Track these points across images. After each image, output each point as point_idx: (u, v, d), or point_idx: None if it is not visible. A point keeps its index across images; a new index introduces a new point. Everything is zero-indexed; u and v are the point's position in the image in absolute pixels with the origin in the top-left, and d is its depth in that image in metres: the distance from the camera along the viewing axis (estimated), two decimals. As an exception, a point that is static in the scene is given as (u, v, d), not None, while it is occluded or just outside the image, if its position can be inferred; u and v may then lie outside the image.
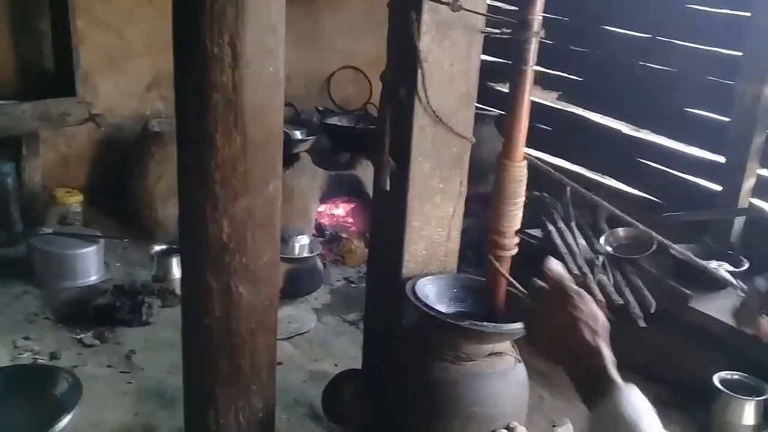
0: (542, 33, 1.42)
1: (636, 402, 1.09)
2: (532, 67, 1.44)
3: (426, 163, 1.69)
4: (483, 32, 1.64)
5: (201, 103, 1.40)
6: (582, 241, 2.90)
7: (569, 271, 1.19)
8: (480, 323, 1.50)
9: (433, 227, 1.76)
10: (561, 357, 1.15)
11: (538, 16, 1.41)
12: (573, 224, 3.03)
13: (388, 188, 1.66)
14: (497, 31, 1.61)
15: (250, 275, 1.54)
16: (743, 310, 1.21)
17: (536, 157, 1.52)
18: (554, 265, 1.18)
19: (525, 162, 1.49)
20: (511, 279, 1.51)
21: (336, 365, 2.32)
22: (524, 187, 1.50)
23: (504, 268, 1.55)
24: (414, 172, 1.67)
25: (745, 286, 2.39)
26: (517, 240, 1.55)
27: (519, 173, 1.48)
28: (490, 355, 1.55)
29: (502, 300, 1.59)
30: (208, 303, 1.55)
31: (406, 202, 1.69)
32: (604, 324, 1.13)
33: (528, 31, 1.41)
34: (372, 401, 1.76)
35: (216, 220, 1.48)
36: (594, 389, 1.09)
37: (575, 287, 1.15)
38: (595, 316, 1.12)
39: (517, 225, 1.53)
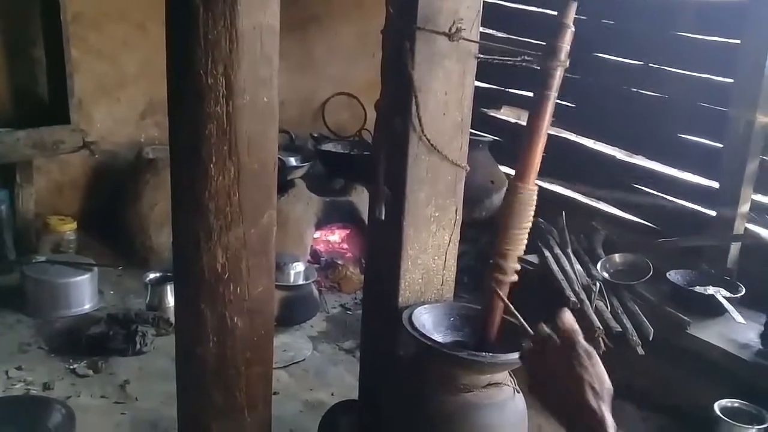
0: (568, 63, 1.43)
1: None
2: (555, 93, 1.45)
3: (421, 191, 1.68)
4: (478, 58, 1.65)
5: (195, 134, 1.40)
6: (578, 267, 2.89)
7: (577, 318, 1.16)
8: (478, 353, 1.49)
9: (429, 256, 1.75)
10: (560, 412, 1.10)
11: (566, 44, 1.42)
12: (569, 250, 3.02)
13: (383, 218, 1.65)
14: (494, 57, 1.63)
15: (244, 305, 1.53)
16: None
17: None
18: (568, 317, 1.13)
19: (536, 187, 1.49)
20: (511, 306, 1.50)
21: (332, 394, 2.30)
22: (533, 212, 1.50)
23: (503, 293, 1.53)
24: (409, 201, 1.67)
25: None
26: (518, 267, 1.54)
27: (530, 197, 1.48)
28: (488, 385, 1.53)
29: (498, 327, 1.57)
30: (202, 333, 1.53)
31: (401, 231, 1.68)
32: (609, 389, 1.08)
33: (555, 58, 1.42)
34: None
35: (210, 249, 1.47)
36: None
37: (586, 345, 1.10)
38: (601, 378, 1.07)
39: (522, 250, 1.52)
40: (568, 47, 1.43)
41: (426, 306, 1.70)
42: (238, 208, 1.45)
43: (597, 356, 1.10)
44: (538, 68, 1.46)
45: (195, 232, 1.47)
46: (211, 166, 1.41)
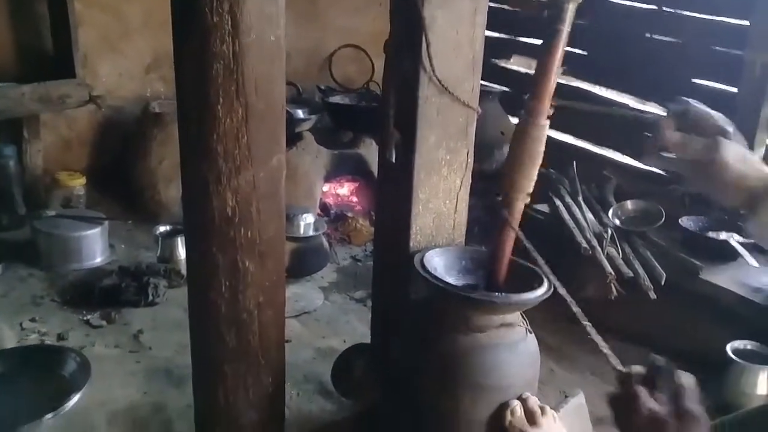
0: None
1: None
2: (566, 29, 1.41)
3: (432, 134, 1.65)
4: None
5: (201, 74, 1.37)
6: (590, 215, 2.88)
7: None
8: (490, 294, 1.48)
9: (440, 199, 1.73)
10: None
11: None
12: (580, 199, 3.00)
13: (393, 160, 1.63)
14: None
15: (256, 249, 1.52)
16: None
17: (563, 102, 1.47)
18: (691, 384, 1.00)
19: (547, 123, 1.46)
20: (521, 234, 1.46)
21: (344, 342, 2.31)
22: (543, 148, 1.46)
23: (514, 225, 1.51)
24: (420, 144, 1.64)
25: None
26: (528, 200, 1.51)
27: (541, 133, 1.45)
28: (500, 326, 1.53)
29: (509, 268, 1.56)
30: (214, 278, 1.53)
31: (412, 175, 1.66)
32: None
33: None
34: (381, 375, 1.75)
35: (220, 193, 1.46)
36: None
37: (695, 408, 0.98)
38: None
39: (532, 184, 1.48)
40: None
41: (437, 250, 1.69)
42: (247, 150, 1.43)
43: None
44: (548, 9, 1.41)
45: (204, 176, 1.46)
46: (219, 107, 1.39)
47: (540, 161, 1.48)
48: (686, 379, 0.98)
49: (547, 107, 1.43)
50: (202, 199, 1.47)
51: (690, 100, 1.26)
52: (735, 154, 1.18)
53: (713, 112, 1.27)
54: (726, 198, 1.20)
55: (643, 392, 0.98)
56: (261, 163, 1.47)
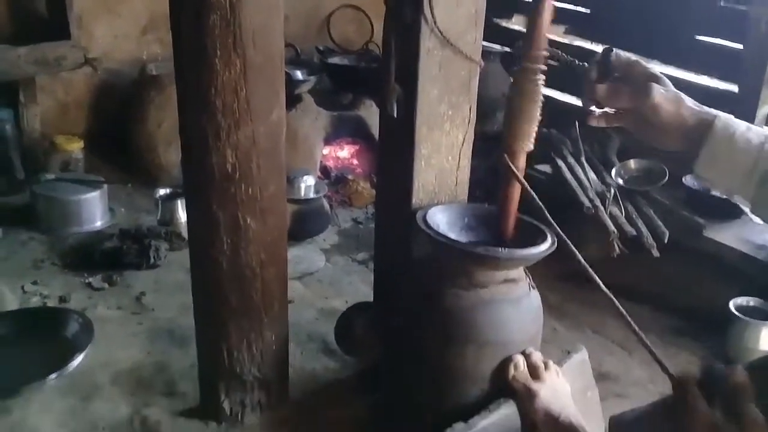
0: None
1: None
2: None
3: (434, 88, 1.63)
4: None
5: (198, 25, 1.35)
6: (592, 175, 2.85)
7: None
8: (494, 248, 1.47)
9: (443, 155, 1.71)
10: None
11: None
12: (583, 159, 2.97)
13: (395, 115, 1.60)
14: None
15: (257, 206, 1.51)
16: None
17: (557, 50, 1.43)
18: (746, 384, 0.90)
19: (545, 68, 1.42)
20: (526, 183, 1.44)
21: (347, 302, 2.30)
22: (541, 94, 1.43)
23: (519, 175, 1.48)
24: (421, 98, 1.61)
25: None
26: (531, 148, 1.48)
27: (538, 78, 1.41)
28: (504, 281, 1.52)
29: (516, 224, 1.55)
30: (215, 236, 1.53)
31: (414, 130, 1.63)
32: None
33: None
34: (384, 332, 1.75)
35: (219, 149, 1.44)
36: None
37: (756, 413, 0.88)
38: None
39: (533, 132, 1.45)
40: None
41: (440, 207, 1.67)
42: (246, 104, 1.41)
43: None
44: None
45: (203, 131, 1.44)
46: (216, 60, 1.37)
47: (537, 115, 1.45)
48: (741, 379, 0.91)
49: (542, 50, 1.39)
50: (201, 155, 1.46)
51: (614, 49, 1.24)
52: (666, 95, 1.18)
53: (638, 58, 1.24)
54: (667, 142, 1.20)
55: (700, 399, 0.92)
56: (260, 117, 1.45)
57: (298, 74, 3.37)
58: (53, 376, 1.80)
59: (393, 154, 1.75)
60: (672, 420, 0.95)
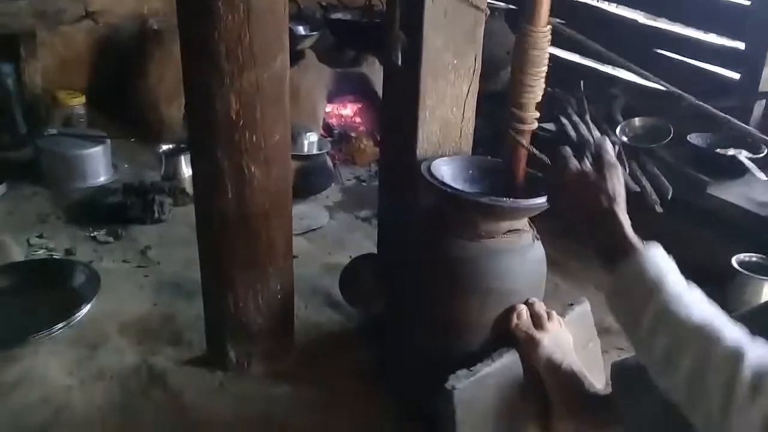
0: None
1: (658, 260, 1.07)
2: None
3: (438, 36, 1.61)
4: None
5: (202, -31, 1.33)
6: (597, 133, 2.83)
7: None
8: (498, 198, 1.47)
9: (447, 106, 1.70)
10: (580, 219, 1.19)
11: None
12: (587, 117, 2.95)
13: (399, 63, 1.59)
14: None
15: (261, 154, 1.51)
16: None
17: (560, 22, 1.42)
18: (605, 142, 1.23)
19: (549, 28, 1.41)
20: (533, 149, 1.46)
21: (350, 257, 2.31)
22: (547, 56, 1.43)
23: (525, 142, 1.50)
24: (426, 47, 1.60)
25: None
26: (537, 114, 1.49)
27: (543, 39, 1.41)
28: (508, 232, 1.53)
29: (522, 176, 1.55)
30: (220, 184, 1.53)
31: (418, 79, 1.62)
32: (622, 194, 1.18)
33: None
34: (388, 283, 1.76)
35: (223, 96, 1.44)
36: (613, 255, 1.10)
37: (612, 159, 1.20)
38: (615, 188, 1.17)
39: (538, 97, 1.47)
40: None
41: (445, 158, 1.67)
42: (249, 50, 1.40)
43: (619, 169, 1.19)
44: None
45: (206, 77, 1.43)
46: (219, 4, 1.35)
47: (545, 70, 1.44)
48: (600, 140, 1.23)
49: (546, 12, 1.38)
50: (205, 102, 1.45)
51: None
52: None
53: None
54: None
55: (571, 156, 1.22)
56: (264, 64, 1.44)
57: (300, 29, 3.33)
58: (61, 325, 1.82)
59: (397, 105, 1.74)
60: (549, 177, 1.28)
